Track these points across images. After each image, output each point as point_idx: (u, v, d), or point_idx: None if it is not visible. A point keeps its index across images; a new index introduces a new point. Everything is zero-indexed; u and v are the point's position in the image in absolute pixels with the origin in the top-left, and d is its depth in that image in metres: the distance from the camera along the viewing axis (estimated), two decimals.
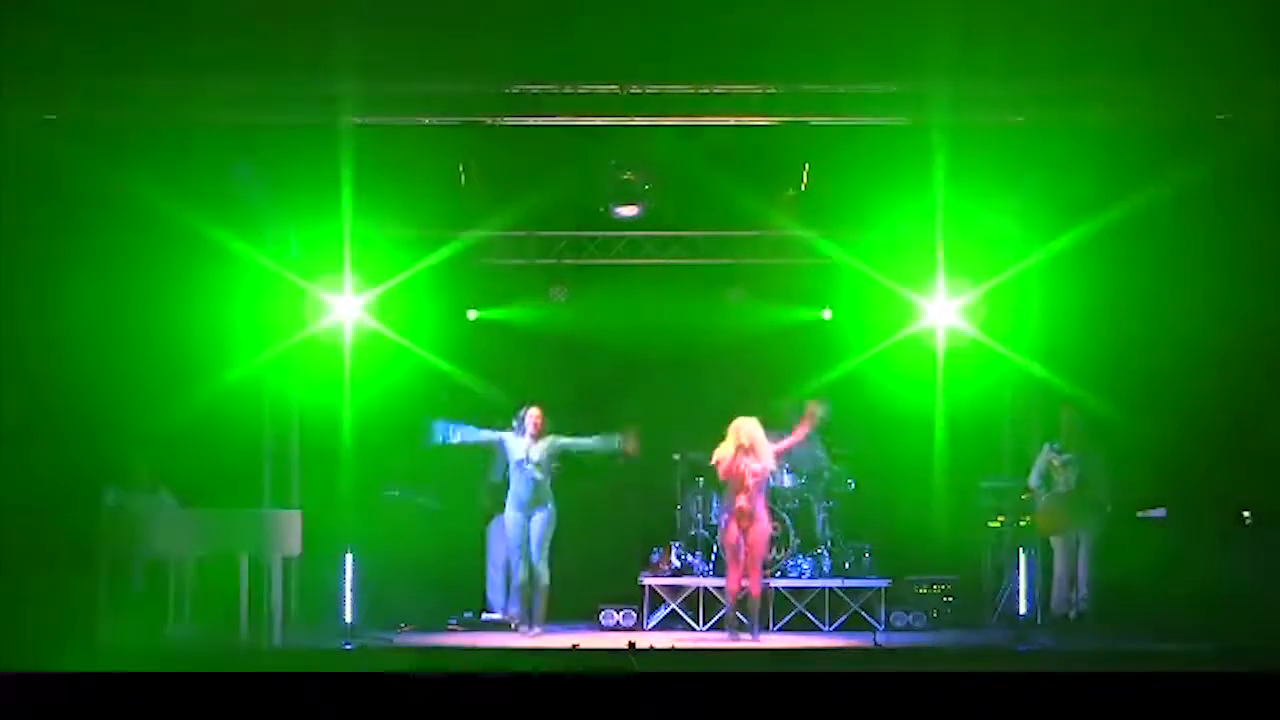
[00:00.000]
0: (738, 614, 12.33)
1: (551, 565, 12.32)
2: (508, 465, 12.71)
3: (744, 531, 12.16)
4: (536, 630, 12.24)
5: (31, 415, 12.89)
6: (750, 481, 12.15)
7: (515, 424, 12.47)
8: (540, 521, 12.30)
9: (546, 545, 12.30)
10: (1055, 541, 12.61)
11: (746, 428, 12.21)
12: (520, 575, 12.31)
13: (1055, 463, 12.54)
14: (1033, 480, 12.68)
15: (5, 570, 11.61)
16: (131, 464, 12.72)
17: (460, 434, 12.70)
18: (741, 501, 12.15)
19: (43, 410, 13.01)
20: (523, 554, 12.28)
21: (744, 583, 12.22)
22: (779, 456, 12.43)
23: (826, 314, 14.54)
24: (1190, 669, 10.09)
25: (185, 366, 13.49)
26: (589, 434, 12.56)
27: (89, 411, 13.15)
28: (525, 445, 12.37)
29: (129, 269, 13.23)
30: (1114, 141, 12.43)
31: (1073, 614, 12.29)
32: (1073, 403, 12.73)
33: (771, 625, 12.93)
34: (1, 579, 11.54)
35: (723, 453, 12.22)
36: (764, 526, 12.25)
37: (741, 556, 12.17)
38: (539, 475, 12.31)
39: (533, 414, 12.40)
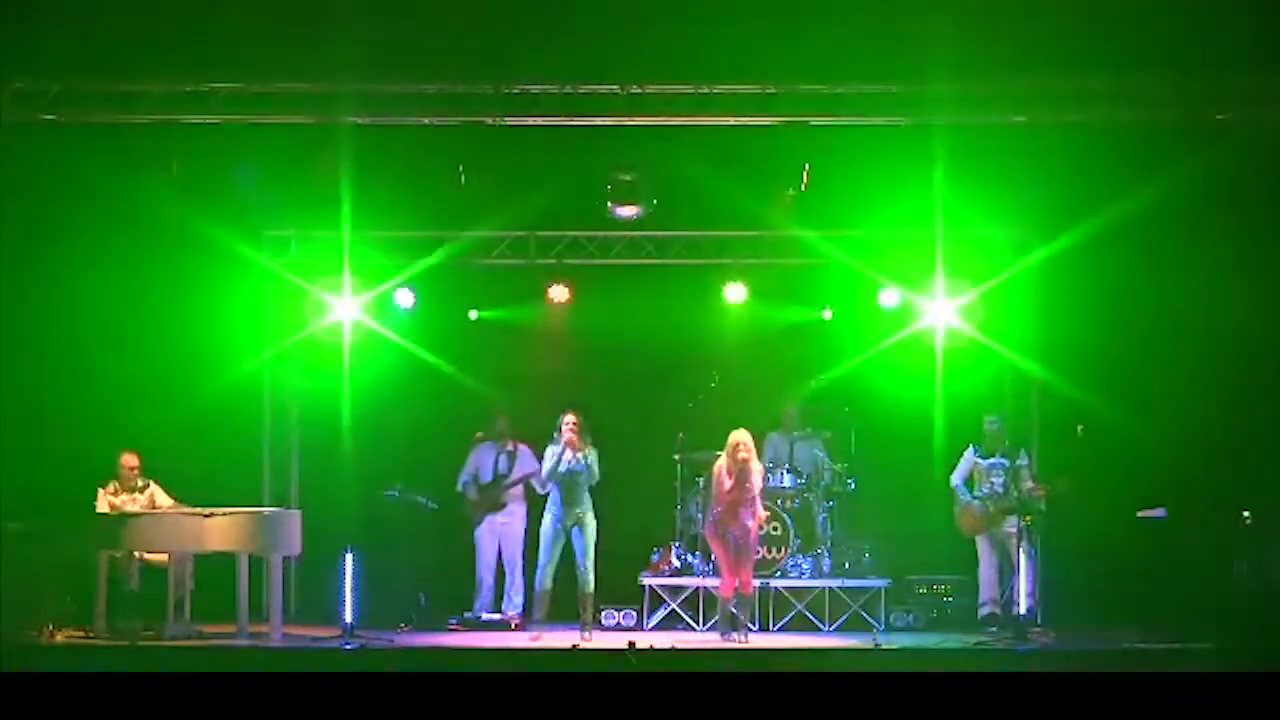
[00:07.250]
0: (731, 612, 12.29)
1: (596, 571, 12.27)
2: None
3: (721, 537, 12.14)
4: (588, 634, 12.10)
5: (31, 414, 12.92)
6: (728, 500, 12.12)
7: (554, 435, 12.30)
8: (583, 531, 12.19)
9: (590, 552, 12.22)
10: (980, 542, 12.78)
11: (735, 452, 12.16)
12: (544, 582, 12.19)
13: (980, 465, 12.75)
14: (954, 480, 12.86)
15: (6, 568, 11.62)
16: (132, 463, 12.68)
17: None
18: (718, 510, 12.16)
19: (42, 409, 13.05)
20: (550, 561, 12.17)
21: (736, 583, 12.20)
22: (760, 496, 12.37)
23: (827, 314, 14.48)
24: (1190, 669, 10.10)
25: (185, 366, 13.51)
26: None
27: (88, 410, 13.19)
28: (566, 456, 12.22)
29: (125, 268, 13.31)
30: (1113, 142, 12.46)
31: (1015, 611, 12.24)
32: (999, 414, 12.99)
33: (771, 625, 12.92)
34: (2, 577, 11.55)
35: (716, 477, 12.20)
36: (746, 524, 12.15)
37: (731, 558, 12.15)
38: (579, 486, 12.18)
39: (568, 421, 12.22)
